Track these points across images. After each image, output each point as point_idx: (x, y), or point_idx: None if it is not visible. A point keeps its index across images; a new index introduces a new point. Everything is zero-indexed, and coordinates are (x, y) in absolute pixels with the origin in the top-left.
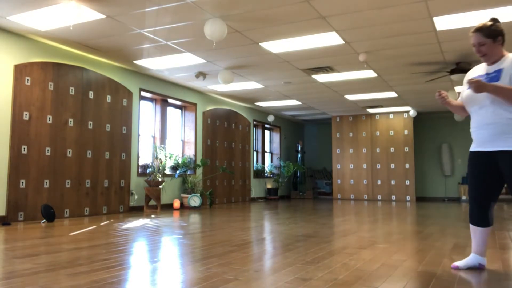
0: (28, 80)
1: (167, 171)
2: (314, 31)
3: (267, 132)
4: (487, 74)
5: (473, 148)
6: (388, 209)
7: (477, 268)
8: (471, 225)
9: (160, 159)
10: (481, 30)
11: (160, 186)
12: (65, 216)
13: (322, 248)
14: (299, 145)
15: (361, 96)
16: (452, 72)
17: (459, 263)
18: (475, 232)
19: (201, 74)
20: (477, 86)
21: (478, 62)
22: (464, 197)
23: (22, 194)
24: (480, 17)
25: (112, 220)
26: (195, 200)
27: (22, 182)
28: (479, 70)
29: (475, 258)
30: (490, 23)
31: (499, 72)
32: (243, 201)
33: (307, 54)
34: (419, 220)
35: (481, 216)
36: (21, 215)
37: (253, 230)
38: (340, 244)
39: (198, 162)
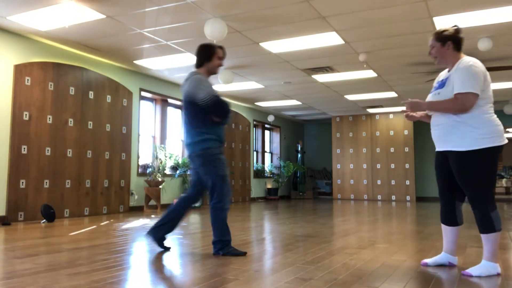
0: (28, 80)
1: (167, 171)
2: (314, 31)
3: (267, 132)
4: (442, 80)
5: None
6: (388, 209)
7: (446, 266)
8: (442, 224)
9: (160, 159)
10: (434, 34)
11: (160, 186)
12: (65, 216)
13: (322, 248)
14: (299, 145)
15: (361, 96)
16: None
17: (429, 260)
18: (445, 231)
19: None
20: (411, 106)
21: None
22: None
23: (22, 194)
24: (480, 17)
25: (112, 220)
26: None
27: (22, 182)
28: (442, 75)
29: (445, 257)
30: (444, 29)
31: (447, 79)
32: (243, 201)
33: (307, 54)
34: (419, 220)
35: (448, 215)
36: (21, 215)
37: (253, 230)
38: (340, 244)
39: None
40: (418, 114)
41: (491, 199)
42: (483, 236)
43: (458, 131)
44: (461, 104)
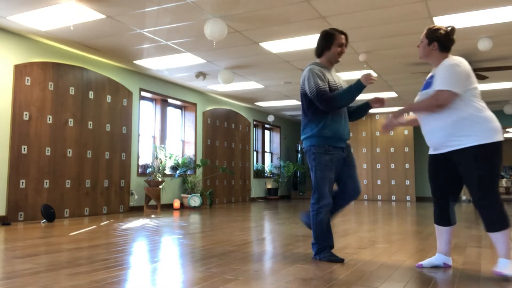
0: (28, 80)
1: (167, 171)
2: (314, 31)
3: (267, 132)
4: (429, 78)
5: (429, 151)
6: (388, 209)
7: (441, 267)
8: (435, 225)
9: (160, 159)
10: (427, 28)
11: (160, 186)
12: (65, 216)
13: None
14: (299, 145)
15: (361, 96)
16: None
17: (424, 262)
18: (440, 232)
19: (201, 74)
20: (395, 115)
21: (478, 63)
22: (464, 197)
23: (22, 194)
24: (480, 17)
25: (112, 220)
26: (195, 200)
27: (22, 182)
28: (430, 75)
29: (440, 258)
30: (438, 27)
31: (432, 78)
32: (243, 201)
33: (307, 54)
34: (419, 220)
35: (442, 215)
36: (21, 215)
37: (253, 230)
38: (340, 244)
39: (198, 162)
40: (398, 121)
41: (499, 195)
42: (498, 234)
43: (463, 129)
44: (437, 100)
